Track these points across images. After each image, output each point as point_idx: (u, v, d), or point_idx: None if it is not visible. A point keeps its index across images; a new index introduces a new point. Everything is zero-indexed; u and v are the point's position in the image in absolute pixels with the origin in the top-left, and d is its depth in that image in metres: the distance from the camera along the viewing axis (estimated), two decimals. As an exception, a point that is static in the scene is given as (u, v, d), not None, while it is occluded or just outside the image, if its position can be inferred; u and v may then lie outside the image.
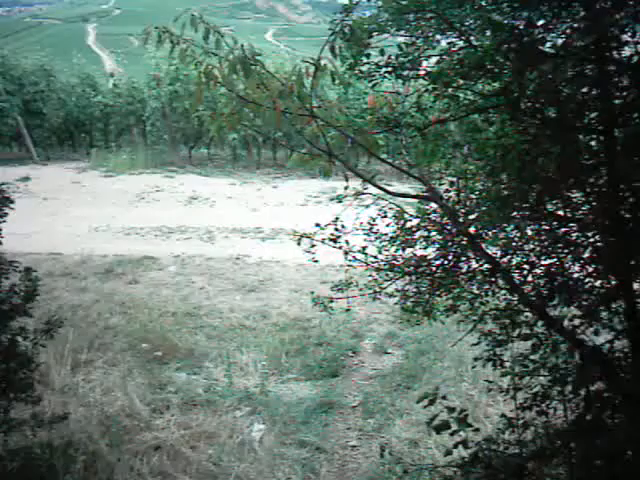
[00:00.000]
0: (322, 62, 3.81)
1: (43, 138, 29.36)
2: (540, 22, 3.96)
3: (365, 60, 4.25)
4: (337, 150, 4.12)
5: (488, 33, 4.03)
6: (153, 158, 27.19)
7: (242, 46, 3.79)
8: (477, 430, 4.44)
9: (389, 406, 8.78)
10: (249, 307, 12.36)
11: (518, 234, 4.49)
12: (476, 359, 4.97)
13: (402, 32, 4.25)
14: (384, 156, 4.73)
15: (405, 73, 4.31)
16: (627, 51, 3.90)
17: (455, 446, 4.39)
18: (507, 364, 4.83)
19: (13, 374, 6.49)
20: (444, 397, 4.45)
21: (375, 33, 4.17)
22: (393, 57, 4.24)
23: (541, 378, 4.76)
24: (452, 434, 4.35)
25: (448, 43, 4.22)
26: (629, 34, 3.85)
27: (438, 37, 4.23)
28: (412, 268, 4.77)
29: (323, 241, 4.94)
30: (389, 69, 4.28)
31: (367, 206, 4.98)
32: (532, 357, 4.74)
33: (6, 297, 6.46)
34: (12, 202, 6.56)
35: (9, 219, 6.54)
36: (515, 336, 4.71)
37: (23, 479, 6.34)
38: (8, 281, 6.53)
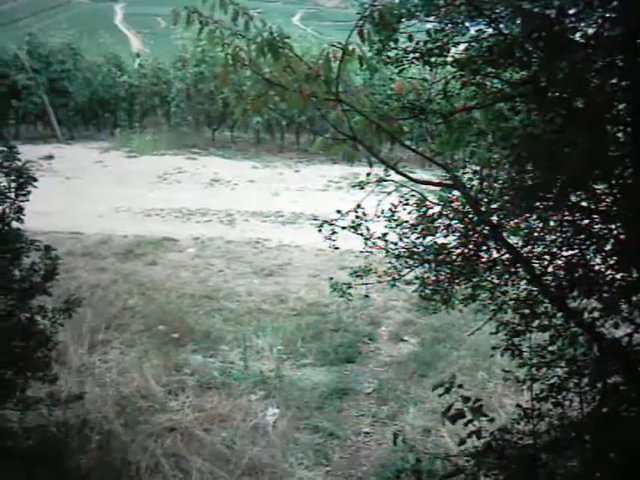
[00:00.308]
0: (350, 47, 3.79)
1: (68, 117, 29.53)
2: (571, 11, 3.93)
3: (393, 45, 4.23)
4: (361, 135, 4.11)
5: (518, 21, 4.00)
6: (176, 139, 27.28)
7: (270, 29, 3.79)
8: (492, 420, 4.44)
9: (403, 394, 8.79)
10: (267, 291, 12.39)
11: (540, 224, 4.46)
12: (494, 348, 4.96)
13: (431, 18, 4.22)
14: (408, 143, 4.71)
15: (433, 59, 4.29)
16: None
17: (469, 435, 4.39)
18: (525, 354, 4.82)
19: (31, 352, 6.54)
20: (460, 386, 4.45)
21: (404, 19, 4.15)
22: (421, 43, 4.22)
23: (558, 370, 4.74)
24: (466, 424, 4.35)
25: (477, 30, 4.19)
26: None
27: (467, 24, 4.20)
28: (432, 256, 4.75)
29: (344, 228, 4.94)
30: (417, 55, 4.26)
31: (389, 193, 4.98)
32: (550, 348, 4.73)
33: (26, 275, 6.50)
34: (35, 180, 6.58)
35: (31, 197, 6.56)
36: (534, 327, 4.70)
37: (39, 457, 6.39)
38: (28, 259, 6.57)
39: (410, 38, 4.21)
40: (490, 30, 4.15)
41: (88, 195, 19.40)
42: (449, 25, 4.21)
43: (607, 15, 3.93)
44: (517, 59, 4.03)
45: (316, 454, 7.55)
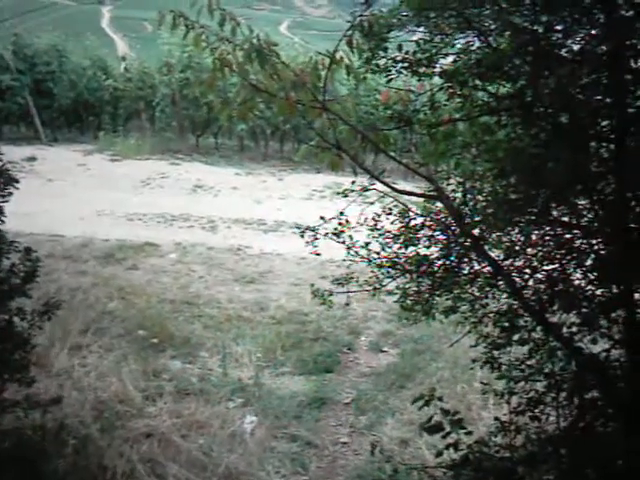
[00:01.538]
0: (337, 55, 3.81)
1: (52, 119, 29.39)
2: (560, 27, 3.96)
3: (382, 54, 4.24)
4: (346, 145, 4.12)
5: (507, 35, 4.02)
6: (160, 144, 27.23)
7: (258, 35, 3.80)
8: (469, 433, 4.45)
9: (382, 404, 8.79)
10: (247, 298, 12.37)
11: (522, 238, 4.48)
12: (474, 361, 4.97)
13: (421, 28, 4.24)
14: (392, 154, 4.72)
15: (421, 70, 4.30)
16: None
17: (447, 447, 4.40)
18: (504, 368, 4.83)
19: (8, 354, 6.49)
20: (440, 398, 4.45)
21: (394, 28, 4.16)
22: (410, 53, 4.24)
23: (536, 383, 4.76)
24: (444, 436, 4.36)
25: (466, 42, 4.21)
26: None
27: (457, 36, 4.22)
28: (414, 267, 4.76)
29: (327, 235, 4.94)
30: (405, 65, 4.27)
31: (372, 203, 4.98)
32: (529, 362, 4.75)
33: (5, 277, 6.45)
34: (17, 182, 6.55)
35: (12, 198, 6.53)
36: (514, 340, 4.72)
37: (14, 460, 6.34)
38: (8, 261, 6.52)
39: (400, 48, 4.22)
40: (479, 43, 4.17)
41: (70, 198, 19.31)
42: (438, 36, 4.22)
43: (593, 32, 3.96)
44: (505, 72, 4.05)
45: (293, 463, 7.53)
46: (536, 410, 4.71)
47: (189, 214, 18.37)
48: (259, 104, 4.07)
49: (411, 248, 4.82)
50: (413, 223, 4.81)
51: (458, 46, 4.31)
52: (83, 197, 19.32)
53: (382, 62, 4.30)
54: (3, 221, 6.43)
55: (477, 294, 4.78)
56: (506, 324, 4.71)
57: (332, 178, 20.83)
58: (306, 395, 9.00)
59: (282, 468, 7.44)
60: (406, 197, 4.81)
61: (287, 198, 20.99)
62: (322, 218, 4.99)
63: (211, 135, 29.25)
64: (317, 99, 3.90)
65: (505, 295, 4.70)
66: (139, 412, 8.28)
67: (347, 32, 3.88)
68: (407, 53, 4.24)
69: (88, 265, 13.88)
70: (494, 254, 4.57)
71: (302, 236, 5.03)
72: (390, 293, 5.12)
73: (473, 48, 4.19)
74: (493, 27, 4.08)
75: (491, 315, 4.79)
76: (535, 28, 3.95)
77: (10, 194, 6.47)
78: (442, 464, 4.60)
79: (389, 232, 4.89)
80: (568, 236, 4.37)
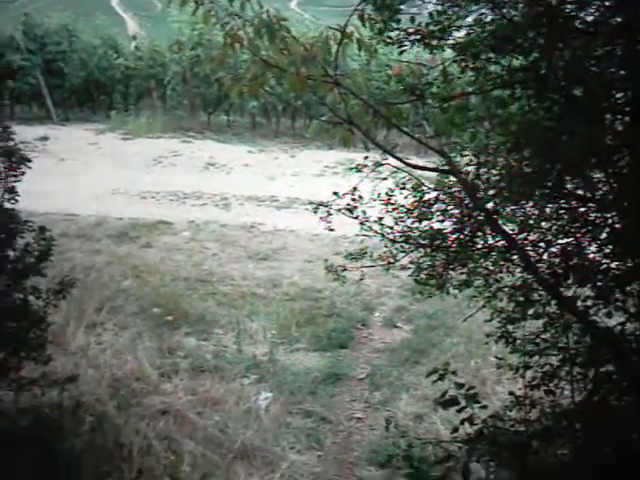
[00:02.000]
0: (348, 30, 3.77)
1: (63, 98, 29.42)
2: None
3: (395, 26, 4.21)
4: (358, 120, 4.09)
5: (521, 7, 3.98)
6: (172, 122, 27.24)
7: (268, 11, 3.77)
8: (484, 407, 4.46)
9: (396, 380, 8.79)
10: (261, 275, 12.38)
11: (536, 212, 4.46)
12: (488, 336, 4.97)
13: (434, 0, 4.21)
14: (405, 129, 4.69)
15: (434, 42, 4.27)
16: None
17: (462, 422, 4.41)
18: (518, 342, 4.83)
19: (25, 333, 6.52)
20: (454, 372, 4.46)
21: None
22: (423, 25, 4.20)
23: (551, 357, 4.75)
24: (459, 411, 4.37)
25: (480, 14, 4.17)
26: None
27: (470, 8, 4.18)
28: (427, 241, 4.75)
29: (340, 210, 4.93)
30: (418, 37, 4.24)
31: (385, 178, 4.97)
32: (543, 336, 4.74)
33: (20, 256, 6.48)
34: (29, 161, 6.55)
35: (25, 178, 6.53)
36: (528, 314, 4.71)
37: (32, 438, 6.38)
38: (23, 240, 6.54)
39: (412, 20, 4.19)
40: (492, 15, 4.13)
41: (83, 177, 19.34)
42: (451, 8, 4.18)
43: (607, 3, 3.91)
44: (518, 45, 4.01)
45: (308, 438, 7.55)
46: (551, 384, 4.72)
47: (202, 192, 18.37)
48: (270, 80, 4.05)
49: (425, 222, 4.81)
50: (427, 197, 4.79)
51: (470, 19, 4.28)
52: (96, 176, 19.35)
53: (394, 34, 4.27)
54: (17, 200, 6.44)
55: (491, 268, 4.77)
56: (520, 298, 4.71)
57: (344, 154, 20.78)
58: (320, 371, 9.01)
59: (297, 444, 7.46)
60: (419, 172, 4.79)
61: (299, 175, 20.96)
62: (335, 194, 4.98)
63: (223, 113, 29.23)
64: (328, 74, 3.87)
65: (519, 269, 4.69)
66: (155, 389, 8.30)
67: (358, 6, 3.84)
68: (420, 25, 4.21)
69: (102, 244, 13.91)
70: (508, 228, 4.55)
71: (315, 212, 5.03)
72: (404, 268, 5.12)
73: (487, 20, 4.15)
74: (507, -1, 4.04)
75: (505, 289, 4.78)
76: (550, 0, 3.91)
77: (23, 173, 6.48)
78: (457, 439, 4.61)
79: (403, 207, 4.88)
80: (583, 209, 4.35)
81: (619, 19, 3.89)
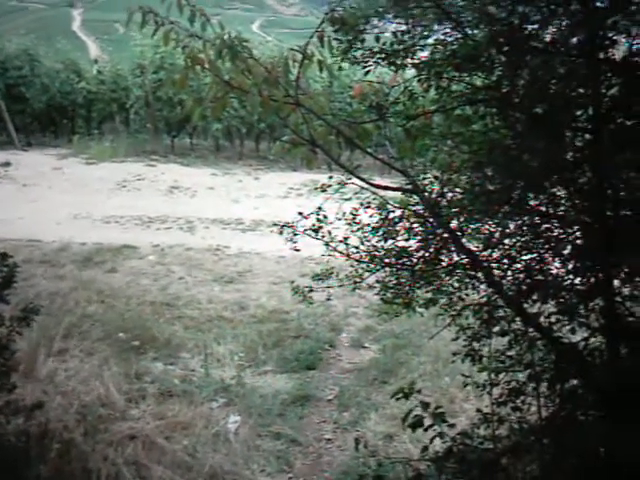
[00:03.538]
0: (309, 51, 3.80)
1: (25, 124, 29.15)
2: (536, 17, 3.97)
3: (359, 45, 4.24)
4: (321, 140, 4.11)
5: (482, 26, 4.03)
6: (135, 146, 27.09)
7: (229, 32, 3.78)
8: (452, 425, 4.46)
9: (365, 400, 8.79)
10: (227, 298, 12.32)
11: (499, 229, 4.49)
12: (455, 354, 4.99)
13: (398, 19, 4.24)
14: (369, 150, 4.72)
15: (399, 61, 4.30)
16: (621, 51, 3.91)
17: (431, 441, 4.41)
18: (485, 359, 4.84)
19: (-13, 362, 6.43)
20: (419, 391, 4.46)
21: (371, 19, 4.16)
22: (387, 44, 4.23)
23: (517, 374, 4.78)
24: (426, 429, 4.37)
25: (443, 34, 4.21)
26: (624, 35, 3.86)
27: (434, 27, 4.22)
28: (393, 259, 4.76)
29: (305, 231, 4.93)
30: (382, 56, 4.26)
31: (349, 198, 4.98)
32: (509, 353, 4.76)
33: (-19, 284, 6.40)
34: (-9, 187, 6.50)
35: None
36: (494, 332, 4.73)
37: (-4, 466, 6.30)
38: (-16, 268, 6.46)
39: (377, 39, 4.22)
40: (455, 33, 4.17)
41: (46, 202, 19.17)
42: (416, 27, 4.22)
43: (568, 21, 3.97)
44: (481, 64, 4.06)
45: (278, 461, 7.51)
46: (517, 400, 4.73)
47: (166, 215, 18.28)
48: (232, 102, 4.05)
49: (390, 241, 4.82)
50: (391, 216, 4.81)
51: (431, 40, 4.32)
52: (59, 201, 19.18)
53: (359, 54, 4.30)
54: (-22, 227, 6.39)
55: (456, 285, 4.79)
56: (485, 315, 4.73)
57: (308, 176, 20.84)
58: (289, 393, 8.98)
59: (267, 466, 7.42)
60: (382, 192, 4.81)
61: (264, 197, 20.96)
62: (300, 214, 4.98)
63: (186, 136, 29.17)
64: (290, 95, 3.89)
65: (484, 286, 4.71)
66: (122, 415, 8.22)
67: (318, 27, 3.87)
68: (385, 44, 4.24)
69: (66, 269, 13.75)
70: (472, 245, 4.58)
71: (281, 233, 5.02)
72: (370, 287, 5.12)
73: (450, 39, 4.20)
74: (470, 18, 4.09)
75: (470, 307, 4.81)
76: (511, 20, 3.96)
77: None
78: (426, 457, 4.61)
79: (368, 225, 4.89)
80: (546, 225, 4.39)
81: (579, 38, 3.95)
